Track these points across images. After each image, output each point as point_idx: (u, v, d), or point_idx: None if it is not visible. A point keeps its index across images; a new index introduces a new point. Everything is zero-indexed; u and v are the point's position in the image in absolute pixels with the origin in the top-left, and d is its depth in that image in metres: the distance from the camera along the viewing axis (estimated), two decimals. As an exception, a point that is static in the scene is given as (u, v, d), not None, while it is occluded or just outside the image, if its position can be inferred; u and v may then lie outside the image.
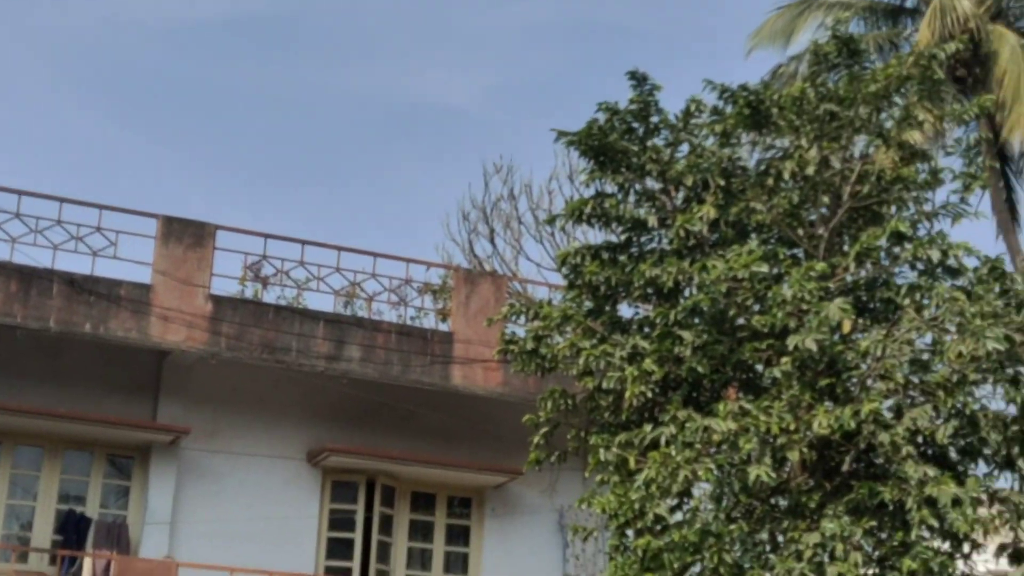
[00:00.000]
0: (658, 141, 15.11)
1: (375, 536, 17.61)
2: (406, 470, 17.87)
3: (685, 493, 13.17)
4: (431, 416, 18.10)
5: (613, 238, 15.70)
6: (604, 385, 14.11)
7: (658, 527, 13.18)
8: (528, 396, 17.73)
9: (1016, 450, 13.05)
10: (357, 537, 17.57)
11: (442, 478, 18.14)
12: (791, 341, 12.41)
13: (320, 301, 18.25)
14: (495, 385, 17.95)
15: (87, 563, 16.03)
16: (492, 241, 27.30)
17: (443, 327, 20.05)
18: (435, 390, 17.79)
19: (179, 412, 17.24)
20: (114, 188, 45.19)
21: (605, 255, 15.08)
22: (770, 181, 14.38)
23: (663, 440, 12.98)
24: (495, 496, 18.54)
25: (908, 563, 11.77)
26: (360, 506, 17.73)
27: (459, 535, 18.43)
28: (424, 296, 19.60)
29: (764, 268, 12.92)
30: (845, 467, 13.25)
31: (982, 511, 12.14)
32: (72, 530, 16.43)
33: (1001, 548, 13.34)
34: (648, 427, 13.47)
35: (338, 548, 17.54)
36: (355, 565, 17.42)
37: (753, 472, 12.11)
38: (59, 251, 16.65)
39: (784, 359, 12.65)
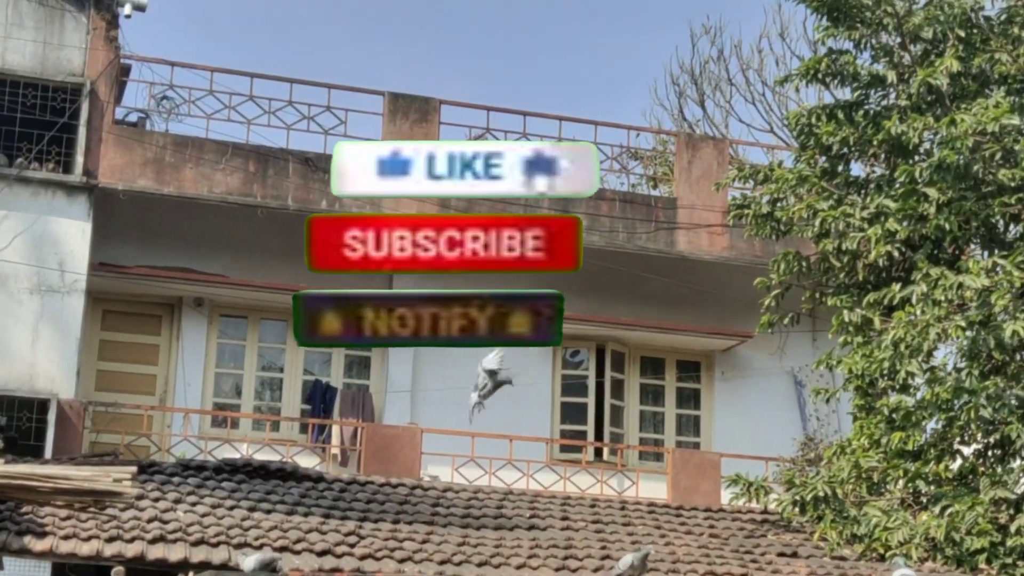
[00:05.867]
0: (893, -6, 14.76)
1: (608, 400, 17.93)
2: (635, 335, 18.08)
3: (931, 352, 13.10)
4: (657, 282, 18.20)
5: (843, 96, 15.49)
6: (844, 246, 14.04)
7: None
8: (753, 260, 17.69)
9: None
10: (590, 402, 17.91)
11: (670, 342, 18.30)
12: (1045, 195, 12.13)
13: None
14: (721, 249, 17.94)
15: (335, 430, 16.72)
16: (702, 104, 26.90)
17: (657, 193, 19.97)
18: (660, 256, 17.87)
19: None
20: (336, 71, 46.27)
21: (840, 114, 14.88)
22: (1015, 30, 13.96)
23: (914, 298, 12.87)
24: (723, 359, 18.64)
25: None
26: (591, 372, 18.04)
27: (689, 398, 18.63)
28: (645, 164, 19.60)
29: (1015, 120, 12.61)
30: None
31: None
32: (319, 400, 17.11)
33: None
34: (896, 286, 13.38)
35: (572, 413, 17.91)
36: (589, 428, 17.78)
37: (1009, 328, 11.96)
38: (292, 131, 17.14)
39: (1036, 213, 12.38)
